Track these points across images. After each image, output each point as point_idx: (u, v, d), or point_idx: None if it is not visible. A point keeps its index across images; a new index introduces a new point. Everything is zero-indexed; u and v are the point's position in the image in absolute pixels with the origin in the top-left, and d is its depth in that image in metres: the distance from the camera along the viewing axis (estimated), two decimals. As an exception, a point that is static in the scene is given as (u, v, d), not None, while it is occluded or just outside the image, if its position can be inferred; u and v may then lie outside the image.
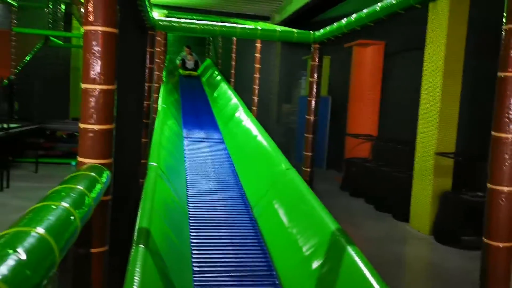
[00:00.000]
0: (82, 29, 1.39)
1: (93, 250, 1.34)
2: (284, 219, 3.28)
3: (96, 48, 1.34)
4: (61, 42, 10.89)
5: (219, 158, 4.97)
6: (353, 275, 2.35)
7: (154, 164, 3.54)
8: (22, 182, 7.01)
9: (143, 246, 2.18)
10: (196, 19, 6.16)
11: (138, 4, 2.82)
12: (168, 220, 2.96)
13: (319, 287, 2.55)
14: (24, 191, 6.39)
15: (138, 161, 3.54)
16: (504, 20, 1.53)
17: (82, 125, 1.37)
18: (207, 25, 3.97)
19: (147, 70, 3.80)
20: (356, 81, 8.29)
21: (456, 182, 5.57)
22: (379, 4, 2.64)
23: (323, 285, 2.54)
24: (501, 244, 1.54)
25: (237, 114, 6.04)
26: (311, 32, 3.85)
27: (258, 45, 7.07)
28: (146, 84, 3.83)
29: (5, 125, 7.00)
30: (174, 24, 3.89)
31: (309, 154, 3.90)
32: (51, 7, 10.70)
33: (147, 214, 2.59)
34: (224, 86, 7.89)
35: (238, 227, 3.46)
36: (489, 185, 1.57)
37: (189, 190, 3.98)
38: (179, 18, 7.74)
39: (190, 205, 3.69)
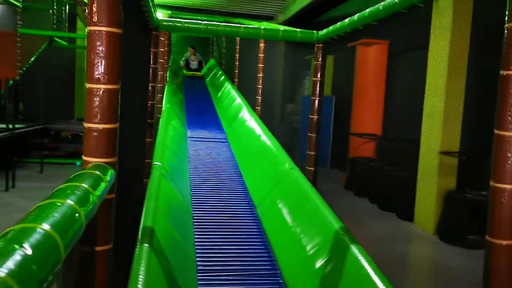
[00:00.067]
0: (87, 29, 1.40)
1: (97, 248, 1.36)
2: (288, 218, 3.29)
3: (100, 48, 1.35)
4: (65, 43, 10.93)
5: (223, 158, 4.99)
6: (356, 274, 2.36)
7: (158, 163, 3.56)
8: (27, 182, 7.05)
9: (147, 245, 2.20)
10: (199, 19, 6.17)
11: (142, 4, 2.83)
12: (172, 219, 2.97)
13: (323, 286, 2.55)
14: (29, 191, 6.43)
15: (142, 161, 3.55)
16: (506, 18, 1.53)
17: (86, 124, 1.38)
18: (211, 25, 3.99)
19: (151, 70, 3.82)
20: (360, 80, 8.28)
21: (461, 181, 5.56)
22: (382, 3, 2.64)
23: (326, 283, 2.54)
24: (504, 242, 1.54)
25: (241, 114, 6.05)
26: (314, 31, 3.86)
27: (262, 45, 7.08)
28: (150, 84, 3.85)
29: (10, 126, 7.04)
30: (178, 24, 3.90)
31: (313, 153, 3.91)
32: (56, 8, 10.75)
33: (151, 213, 2.60)
34: (228, 86, 7.91)
35: (242, 226, 3.47)
36: (492, 183, 1.57)
37: (193, 190, 3.99)
38: (183, 18, 7.76)
39: (194, 204, 3.71)
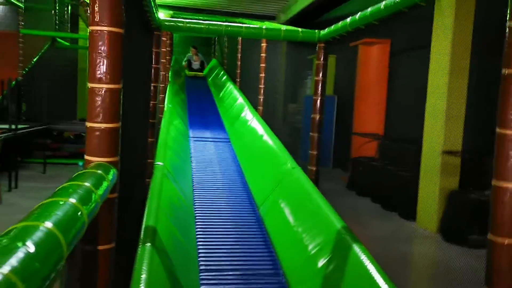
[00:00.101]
0: (89, 29, 1.40)
1: (100, 247, 1.36)
2: (290, 217, 3.29)
3: (102, 48, 1.36)
4: (68, 44, 10.96)
5: (225, 158, 4.99)
6: (359, 273, 2.36)
7: (161, 163, 3.56)
8: (30, 183, 7.07)
9: (149, 245, 2.20)
10: (201, 20, 6.18)
11: (144, 4, 2.84)
12: (174, 219, 2.98)
13: (325, 285, 2.55)
14: (32, 191, 6.44)
15: (144, 161, 3.56)
16: (508, 17, 1.53)
17: (89, 124, 1.39)
18: (213, 25, 3.99)
19: (152, 70, 3.82)
20: (362, 79, 8.28)
21: (463, 180, 5.55)
22: (383, 2, 2.64)
23: (329, 283, 2.54)
24: (506, 241, 1.54)
25: (243, 114, 6.06)
26: (316, 31, 3.86)
27: (264, 44, 7.08)
28: (152, 84, 3.85)
29: (13, 126, 7.06)
30: (180, 24, 3.91)
31: (315, 152, 3.91)
32: (58, 8, 10.78)
33: (153, 213, 2.61)
34: (230, 86, 7.91)
35: (244, 226, 3.47)
36: (494, 182, 1.57)
37: (195, 190, 4.00)
38: (185, 18, 7.77)
39: (196, 204, 3.71)
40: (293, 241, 3.04)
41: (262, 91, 7.03)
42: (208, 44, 12.82)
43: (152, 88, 3.86)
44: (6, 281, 0.54)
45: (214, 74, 9.91)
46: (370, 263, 2.32)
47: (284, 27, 4.36)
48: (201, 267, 2.84)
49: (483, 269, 1.68)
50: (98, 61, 1.35)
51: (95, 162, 1.37)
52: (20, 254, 0.60)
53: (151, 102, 3.86)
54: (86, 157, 1.40)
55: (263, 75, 7.06)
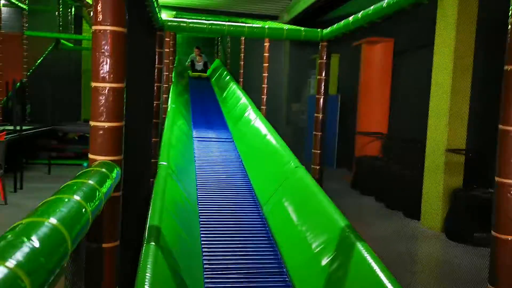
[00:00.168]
0: (92, 29, 1.42)
1: (104, 245, 1.37)
2: (294, 216, 3.30)
3: (106, 47, 1.37)
4: (71, 45, 11.00)
5: (228, 157, 5.00)
6: (362, 272, 2.36)
7: (164, 163, 3.58)
8: (35, 183, 7.10)
9: (154, 244, 2.21)
10: (204, 20, 6.19)
11: (147, 4, 2.85)
12: (179, 218, 2.99)
13: (328, 284, 2.56)
14: (37, 192, 6.47)
15: (148, 160, 3.57)
16: (510, 13, 1.53)
17: (92, 123, 1.40)
18: (215, 24, 4.00)
19: (156, 71, 3.84)
20: (365, 79, 8.27)
21: (467, 179, 5.54)
22: (385, 0, 2.64)
23: (332, 281, 2.55)
24: (510, 237, 1.54)
25: (246, 114, 6.06)
26: (319, 30, 3.86)
27: (267, 44, 7.09)
28: (155, 84, 3.87)
29: (18, 127, 7.10)
30: (183, 24, 3.92)
31: (318, 152, 3.91)
32: (62, 10, 10.83)
33: (158, 212, 2.62)
34: (233, 86, 7.92)
35: (248, 225, 3.48)
36: (497, 179, 1.57)
37: (199, 189, 4.01)
38: (188, 19, 7.78)
39: (200, 203, 3.72)
40: (297, 240, 3.05)
41: (265, 91, 7.04)
42: (211, 45, 12.84)
43: (155, 88, 3.87)
44: (12, 275, 0.54)
45: (217, 74, 9.93)
46: (374, 262, 2.32)
47: (286, 27, 4.37)
48: (205, 266, 2.85)
49: (487, 267, 1.67)
50: (101, 60, 1.36)
51: (99, 160, 1.38)
52: (25, 249, 0.61)
53: (155, 102, 3.87)
54: (90, 156, 1.41)
55: (266, 74, 7.07)
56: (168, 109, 5.60)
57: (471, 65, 5.42)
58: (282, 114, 11.62)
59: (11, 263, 0.56)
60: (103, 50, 1.37)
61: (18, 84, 8.71)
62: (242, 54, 8.80)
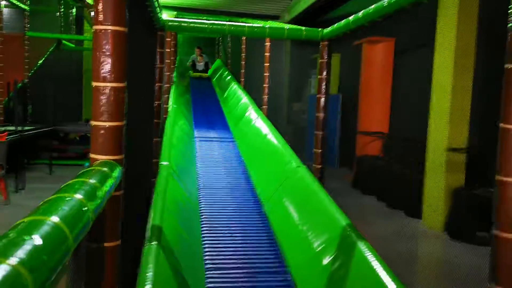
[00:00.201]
0: (93, 28, 1.42)
1: (106, 244, 1.38)
2: (295, 215, 3.30)
3: (106, 47, 1.37)
4: (73, 45, 11.02)
5: (229, 157, 5.00)
6: (364, 271, 2.36)
7: (166, 163, 3.58)
8: (37, 184, 7.11)
9: (156, 243, 2.21)
10: (205, 20, 6.19)
11: (147, 4, 2.85)
12: (180, 217, 2.99)
13: (330, 282, 2.56)
14: (39, 192, 6.48)
15: (149, 160, 3.58)
16: (510, 11, 1.53)
17: (93, 123, 1.40)
18: (216, 24, 4.01)
19: (157, 70, 3.84)
20: (366, 78, 8.27)
21: (469, 177, 5.53)
22: (386, -1, 2.64)
23: (334, 280, 2.55)
24: (510, 235, 1.54)
25: (247, 113, 6.07)
26: (319, 29, 3.86)
27: (267, 44, 7.09)
28: (157, 84, 3.87)
29: (19, 128, 7.12)
30: (183, 24, 3.93)
31: (319, 151, 3.91)
32: (63, 11, 10.84)
33: (159, 212, 2.62)
34: (234, 85, 7.92)
35: (249, 224, 3.48)
36: (497, 177, 1.57)
37: (200, 189, 4.01)
38: (189, 19, 7.79)
39: (201, 203, 3.72)
40: (298, 239, 3.05)
41: (266, 91, 7.04)
42: (212, 45, 12.84)
43: (156, 88, 3.88)
44: (14, 272, 0.55)
45: (218, 74, 9.93)
46: (376, 261, 2.32)
47: (287, 26, 4.37)
48: (207, 265, 2.85)
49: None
50: (102, 59, 1.37)
51: (100, 160, 1.39)
52: (27, 247, 0.61)
53: (156, 102, 3.88)
54: (91, 155, 1.41)
55: (267, 74, 7.07)
56: (169, 109, 5.60)
57: (472, 63, 5.41)
58: (283, 113, 11.62)
59: (13, 260, 0.56)
60: (104, 50, 1.37)
61: (20, 84, 8.73)
62: (243, 54, 8.80)
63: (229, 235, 3.28)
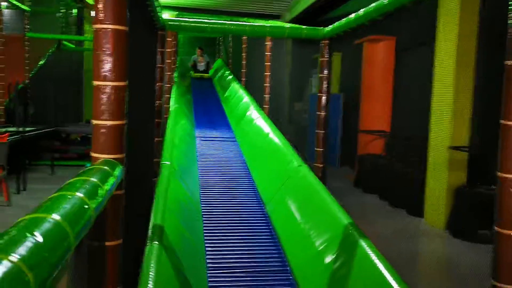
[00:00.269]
0: (93, 27, 1.42)
1: (107, 243, 1.38)
2: (297, 214, 3.30)
3: (107, 46, 1.37)
4: (73, 46, 11.02)
5: (231, 157, 5.00)
6: (366, 269, 2.35)
7: (167, 163, 3.58)
8: (39, 184, 7.12)
9: (157, 243, 2.21)
10: (206, 19, 6.19)
11: (148, 4, 2.85)
12: (182, 217, 2.99)
13: (332, 281, 2.56)
14: (41, 193, 6.49)
15: (150, 160, 3.58)
16: (510, 7, 1.53)
17: (94, 122, 1.41)
18: (217, 23, 4.01)
19: (157, 70, 3.84)
20: (368, 77, 8.26)
21: (471, 175, 5.53)
22: (387, -3, 2.64)
23: (336, 279, 2.54)
24: (512, 232, 1.54)
25: (248, 113, 6.06)
26: (320, 28, 3.86)
27: (268, 43, 7.09)
28: (157, 84, 3.87)
29: (20, 129, 7.12)
30: (184, 24, 3.93)
31: (321, 150, 3.91)
32: (63, 11, 10.86)
33: (161, 211, 2.62)
34: (235, 85, 7.92)
35: (252, 224, 3.48)
36: (499, 174, 1.57)
37: (202, 188, 4.01)
38: (189, 18, 7.79)
39: (203, 202, 3.72)
40: (300, 238, 3.04)
41: (267, 90, 7.04)
42: (213, 45, 12.84)
43: (157, 87, 3.88)
44: (15, 268, 0.55)
45: (219, 74, 9.93)
46: (378, 259, 2.31)
47: (288, 25, 4.37)
48: (209, 265, 2.85)
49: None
50: (103, 58, 1.37)
51: (102, 159, 1.39)
52: (28, 244, 0.61)
53: (157, 101, 3.88)
54: (93, 154, 1.41)
55: (268, 73, 7.07)
56: (171, 109, 5.60)
57: (473, 61, 5.40)
58: (285, 113, 11.62)
59: (14, 257, 0.56)
60: (104, 49, 1.37)
61: (20, 85, 8.74)
62: (244, 54, 8.80)
63: (231, 234, 3.28)
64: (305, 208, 3.29)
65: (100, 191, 1.04)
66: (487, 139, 5.61)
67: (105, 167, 1.25)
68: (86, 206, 0.89)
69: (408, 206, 6.22)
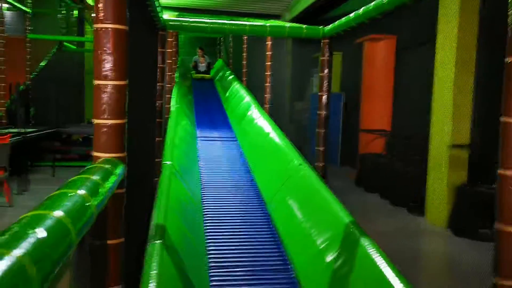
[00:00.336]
0: (93, 27, 1.43)
1: (109, 242, 1.38)
2: (298, 213, 3.30)
3: (107, 45, 1.38)
4: (74, 47, 11.04)
5: (232, 156, 5.01)
6: (368, 267, 2.36)
7: (169, 162, 3.59)
8: (41, 185, 7.13)
9: (159, 242, 2.22)
10: (206, 19, 6.19)
11: (148, 4, 2.86)
12: (183, 216, 3.00)
13: (334, 280, 2.56)
14: (43, 194, 6.48)
15: (151, 159, 3.59)
16: (510, 5, 1.53)
17: (95, 121, 1.41)
18: (217, 23, 4.01)
19: (158, 70, 3.85)
20: (368, 76, 8.26)
21: (472, 174, 5.52)
22: (387, -4, 2.64)
23: (338, 277, 2.55)
24: (513, 229, 1.54)
25: (249, 113, 6.07)
26: (320, 27, 3.86)
27: (269, 43, 7.09)
28: (158, 84, 3.88)
29: (22, 130, 7.13)
30: (184, 24, 3.93)
31: (322, 149, 3.91)
32: (64, 13, 10.88)
33: (162, 211, 2.63)
34: (236, 85, 7.93)
35: (253, 223, 3.48)
36: (499, 171, 1.57)
37: (203, 188, 4.02)
38: (190, 18, 7.78)
39: (204, 202, 3.73)
40: (302, 237, 3.05)
41: (268, 90, 7.04)
42: (214, 45, 12.84)
43: (158, 88, 3.89)
44: (17, 263, 0.55)
45: (220, 74, 9.94)
46: (379, 257, 2.31)
47: (288, 24, 4.37)
48: (211, 264, 2.86)
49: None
50: (103, 58, 1.38)
51: (103, 158, 1.39)
52: (31, 240, 0.62)
53: (158, 102, 3.88)
54: (94, 153, 1.42)
55: (269, 73, 7.07)
56: (172, 109, 5.60)
57: (474, 60, 5.40)
58: (286, 112, 11.62)
59: (17, 252, 0.57)
60: (105, 48, 1.38)
61: (22, 87, 8.76)
62: (245, 54, 8.80)
63: (233, 233, 3.28)
64: (306, 207, 3.29)
65: (101, 189, 1.05)
66: (488, 137, 5.61)
67: (106, 166, 1.26)
68: (88, 204, 0.90)
69: (409, 204, 6.22)
